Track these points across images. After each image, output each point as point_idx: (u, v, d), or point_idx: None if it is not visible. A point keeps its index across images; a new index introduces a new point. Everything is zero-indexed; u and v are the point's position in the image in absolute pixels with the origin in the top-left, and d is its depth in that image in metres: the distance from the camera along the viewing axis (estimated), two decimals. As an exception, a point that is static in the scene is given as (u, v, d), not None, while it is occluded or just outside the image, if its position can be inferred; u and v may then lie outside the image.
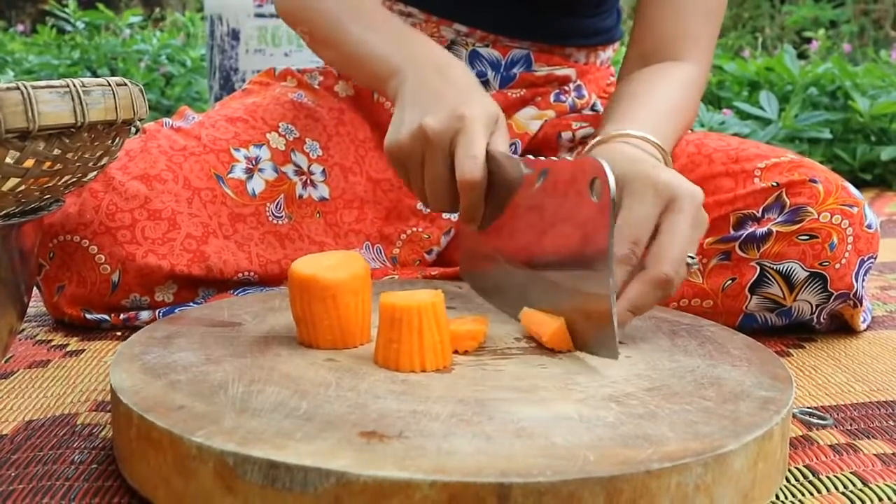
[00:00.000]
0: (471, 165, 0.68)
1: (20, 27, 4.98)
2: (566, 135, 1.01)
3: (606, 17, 1.05)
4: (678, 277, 0.64)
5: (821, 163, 1.56)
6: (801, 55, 3.78)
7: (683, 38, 0.93)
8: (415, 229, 0.99)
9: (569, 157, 1.00)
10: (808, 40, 4.21)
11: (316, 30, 0.92)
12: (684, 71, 0.92)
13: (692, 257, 0.65)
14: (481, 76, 1.01)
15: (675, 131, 0.85)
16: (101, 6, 3.84)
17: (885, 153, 2.21)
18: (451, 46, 1.00)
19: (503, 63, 1.01)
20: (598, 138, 0.80)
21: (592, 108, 1.05)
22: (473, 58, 1.00)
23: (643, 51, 0.95)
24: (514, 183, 0.69)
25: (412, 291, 0.60)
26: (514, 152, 0.99)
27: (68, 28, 3.81)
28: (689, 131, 0.97)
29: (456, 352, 0.63)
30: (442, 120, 0.70)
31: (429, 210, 0.74)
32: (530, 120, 1.01)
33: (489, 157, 0.70)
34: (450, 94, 0.73)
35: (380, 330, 0.59)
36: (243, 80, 2.21)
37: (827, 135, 2.22)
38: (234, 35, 2.19)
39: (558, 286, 0.65)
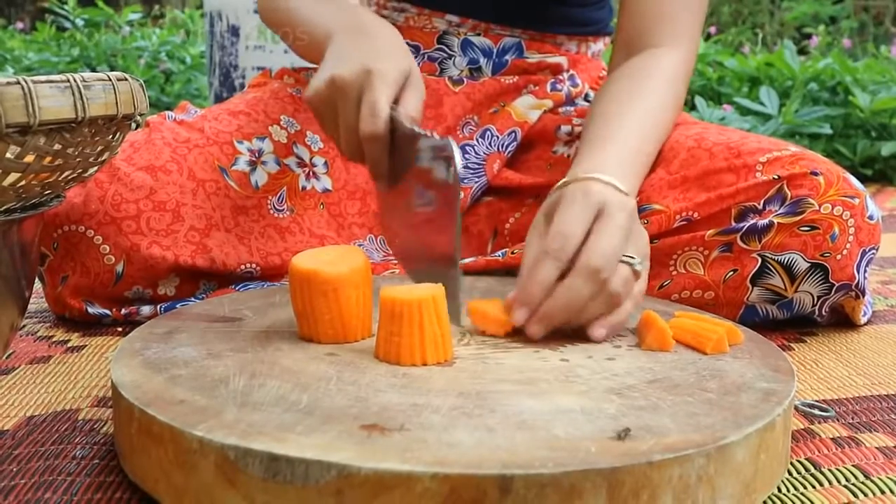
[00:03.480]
0: (370, 122, 0.71)
1: (20, 25, 4.98)
2: (565, 128, 1.01)
3: (597, 9, 1.07)
4: (608, 272, 0.65)
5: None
6: (801, 51, 3.78)
7: (665, 22, 0.92)
8: None
9: (566, 151, 1.01)
10: (808, 36, 4.21)
11: (277, 17, 0.96)
12: (667, 61, 0.91)
13: (631, 257, 0.67)
14: (474, 63, 1.03)
15: (652, 149, 0.86)
16: (100, 3, 3.84)
17: (886, 148, 2.20)
18: (442, 36, 1.03)
19: (495, 50, 1.03)
20: (564, 179, 0.77)
21: (586, 98, 1.06)
22: (465, 46, 1.02)
23: (627, 38, 0.95)
24: (409, 149, 0.72)
25: (412, 285, 0.60)
26: (514, 140, 1.01)
27: (67, 25, 3.80)
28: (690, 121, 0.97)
29: (483, 333, 0.66)
30: (351, 71, 0.73)
31: (346, 157, 0.78)
32: (529, 109, 1.02)
33: (392, 120, 0.73)
34: (365, 49, 0.76)
35: (380, 324, 0.59)
36: (243, 77, 2.21)
37: (827, 130, 2.22)
38: (234, 31, 2.18)
39: (432, 259, 0.70)
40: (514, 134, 1.01)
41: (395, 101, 0.74)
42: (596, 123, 0.86)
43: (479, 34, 1.02)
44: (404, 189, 0.73)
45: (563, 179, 0.75)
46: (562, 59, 1.05)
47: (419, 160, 0.69)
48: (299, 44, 0.94)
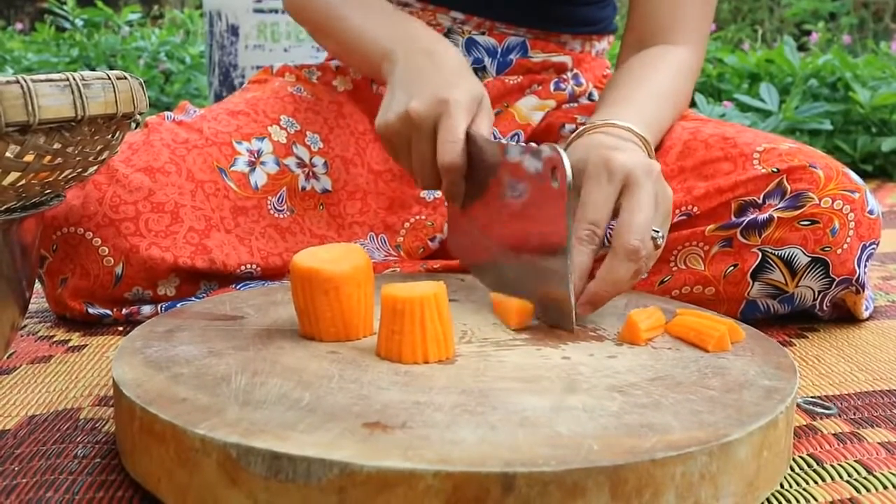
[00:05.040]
0: (450, 150, 0.72)
1: (19, 26, 4.98)
2: (569, 126, 1.01)
3: (602, 8, 1.07)
4: (645, 249, 0.66)
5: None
6: (801, 48, 3.77)
7: (677, 22, 0.95)
8: (418, 217, 0.99)
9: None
10: (808, 33, 4.21)
11: (317, 20, 0.96)
12: (678, 55, 0.94)
13: (656, 231, 0.68)
14: (478, 63, 1.03)
15: (664, 119, 0.88)
16: (99, 3, 3.83)
17: (886, 144, 2.20)
18: (447, 34, 1.02)
19: (499, 50, 1.03)
20: (582, 127, 0.82)
21: (590, 98, 1.06)
22: (470, 45, 1.02)
23: (639, 36, 0.97)
24: (493, 165, 0.72)
25: (414, 283, 0.60)
26: (517, 143, 1.00)
27: (67, 26, 3.80)
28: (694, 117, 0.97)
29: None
30: (426, 104, 0.74)
31: (420, 188, 0.79)
32: (532, 111, 1.02)
33: (470, 140, 0.74)
34: (436, 79, 0.76)
35: (382, 322, 0.59)
36: (243, 76, 2.21)
37: (827, 126, 2.22)
38: (234, 31, 2.18)
39: (527, 266, 0.70)
40: (517, 136, 1.01)
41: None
42: (610, 91, 0.89)
43: (483, 33, 1.02)
44: (485, 204, 0.74)
45: (601, 120, 0.80)
46: (566, 59, 1.04)
47: (518, 168, 0.69)
48: (343, 56, 0.95)
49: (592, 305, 0.68)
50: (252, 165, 0.94)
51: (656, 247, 0.68)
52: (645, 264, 0.68)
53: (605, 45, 1.10)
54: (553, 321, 0.68)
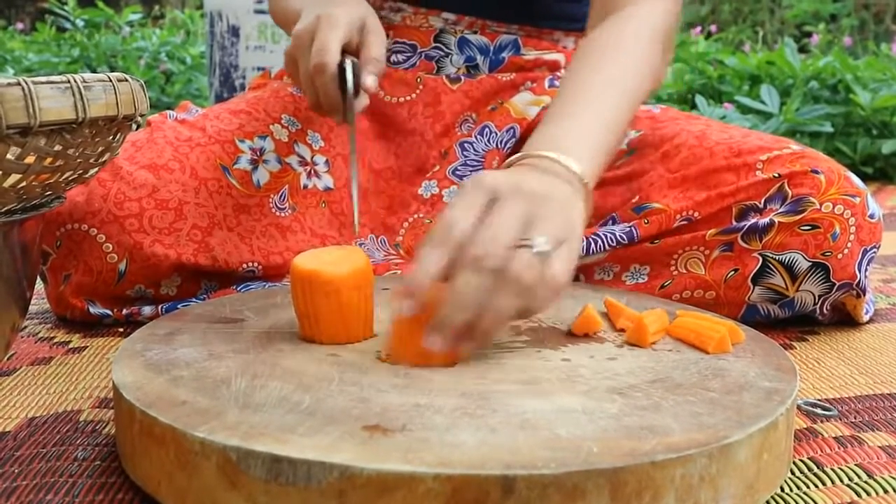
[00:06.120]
0: (316, 53, 0.80)
1: (20, 25, 4.98)
2: None
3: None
4: (501, 261, 0.55)
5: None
6: (802, 49, 3.77)
7: None
8: (417, 216, 0.99)
9: None
10: (809, 34, 4.21)
11: (275, 13, 1.03)
12: (641, 19, 0.85)
13: (526, 239, 0.56)
14: (471, 61, 1.04)
15: (616, 123, 0.77)
16: (100, 4, 3.84)
17: (887, 146, 2.20)
18: (439, 35, 1.03)
19: (492, 48, 1.03)
20: (517, 154, 0.71)
21: None
22: (462, 44, 1.02)
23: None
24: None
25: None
26: (513, 137, 1.01)
27: (68, 26, 3.80)
28: (695, 119, 0.97)
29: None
30: (305, 23, 0.83)
31: (311, 107, 0.87)
32: (528, 106, 1.02)
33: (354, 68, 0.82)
34: (320, 6, 0.84)
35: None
36: (243, 77, 2.21)
37: (828, 128, 2.22)
38: (234, 32, 2.19)
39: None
40: (512, 130, 1.01)
41: (357, 53, 0.84)
42: (559, 98, 0.79)
43: (475, 31, 1.03)
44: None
45: (533, 150, 0.69)
46: (559, 56, 1.05)
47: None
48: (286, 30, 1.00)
49: (441, 332, 0.55)
50: (255, 163, 0.94)
51: (540, 258, 0.56)
52: (523, 276, 0.55)
53: None
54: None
